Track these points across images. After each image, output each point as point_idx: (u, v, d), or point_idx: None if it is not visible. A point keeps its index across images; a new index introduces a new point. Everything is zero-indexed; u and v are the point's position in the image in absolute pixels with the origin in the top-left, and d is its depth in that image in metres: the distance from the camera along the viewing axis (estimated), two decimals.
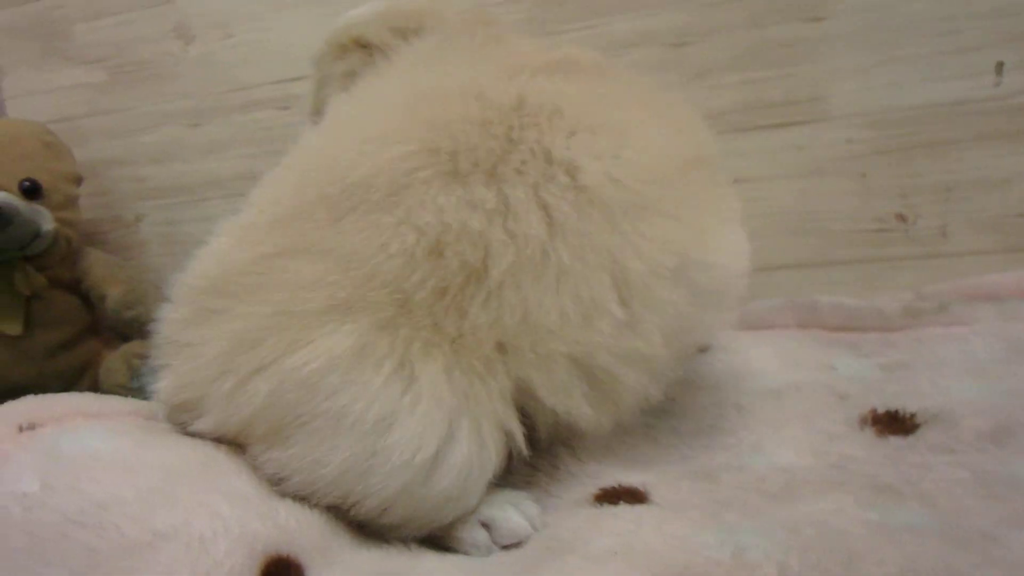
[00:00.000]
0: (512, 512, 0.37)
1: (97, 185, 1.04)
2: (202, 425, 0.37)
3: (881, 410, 0.47)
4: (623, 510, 0.37)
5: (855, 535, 0.32)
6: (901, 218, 0.72)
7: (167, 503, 0.32)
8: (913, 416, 0.46)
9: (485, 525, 0.37)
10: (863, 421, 0.47)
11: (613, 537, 0.34)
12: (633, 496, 0.39)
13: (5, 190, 0.84)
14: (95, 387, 0.95)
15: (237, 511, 0.33)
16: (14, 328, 0.86)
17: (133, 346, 0.94)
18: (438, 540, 0.37)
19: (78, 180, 0.96)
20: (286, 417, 0.33)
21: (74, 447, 0.36)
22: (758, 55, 0.73)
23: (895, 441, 0.44)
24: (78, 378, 0.94)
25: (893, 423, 0.46)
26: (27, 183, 0.86)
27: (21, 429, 0.37)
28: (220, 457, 0.37)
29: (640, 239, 0.36)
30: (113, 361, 0.93)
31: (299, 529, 0.34)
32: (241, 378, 0.34)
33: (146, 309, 0.95)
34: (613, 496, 0.39)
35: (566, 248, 0.35)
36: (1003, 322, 0.59)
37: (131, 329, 0.95)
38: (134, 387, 0.89)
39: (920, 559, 0.30)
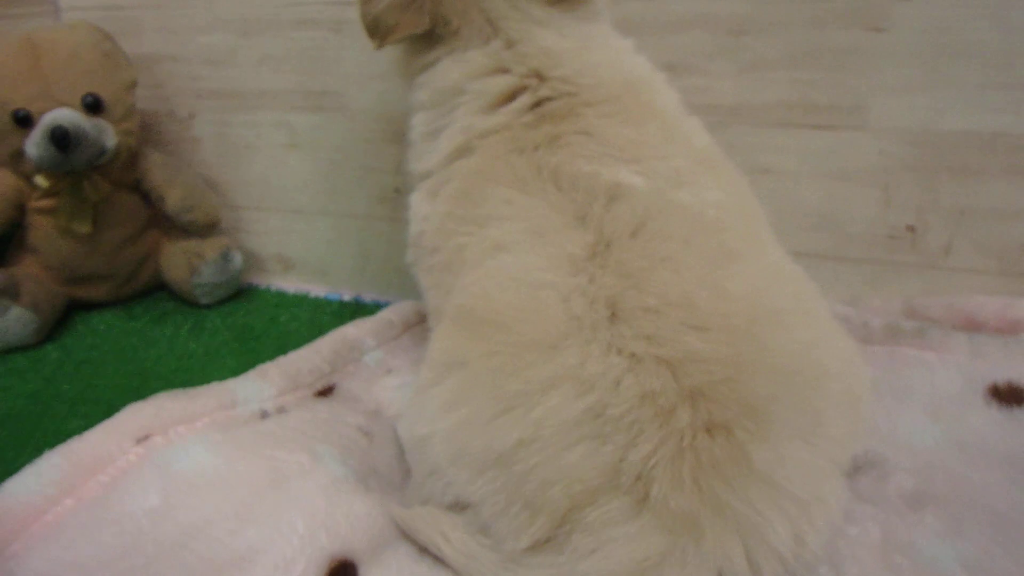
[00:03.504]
0: None
1: (151, 78, 1.07)
2: None
3: None
4: None
5: None
6: (911, 229, 0.78)
7: (259, 521, 0.42)
8: (854, 456, 0.56)
9: None
10: None
11: None
12: None
13: (69, 106, 0.89)
14: (157, 275, 1.06)
15: (309, 528, 0.43)
16: (85, 228, 0.95)
17: (191, 245, 1.03)
18: None
19: (134, 84, 1.00)
20: None
21: (182, 462, 0.45)
22: (812, 56, 0.75)
23: None
24: (141, 266, 1.05)
25: None
26: (89, 98, 0.91)
27: (138, 441, 0.46)
28: (295, 463, 0.47)
29: None
30: (173, 256, 1.04)
31: (353, 534, 0.44)
32: None
33: (203, 213, 1.04)
34: None
35: None
36: (971, 358, 0.66)
37: (190, 229, 1.04)
38: (195, 282, 1.00)
39: None
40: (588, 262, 0.45)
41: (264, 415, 0.55)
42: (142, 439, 0.47)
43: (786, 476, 0.41)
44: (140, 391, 0.78)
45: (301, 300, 1.05)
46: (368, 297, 1.06)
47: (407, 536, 0.46)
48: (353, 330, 0.71)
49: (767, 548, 0.40)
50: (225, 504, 0.43)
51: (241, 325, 0.97)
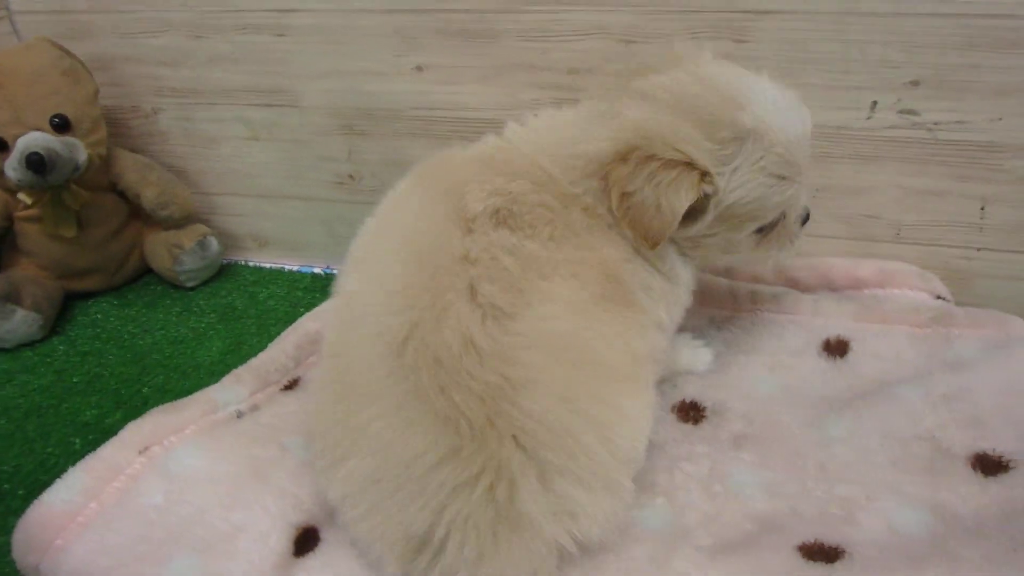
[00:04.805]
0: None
1: (111, 77, 1.08)
2: None
3: (688, 400, 0.67)
4: None
5: (611, 538, 0.50)
6: None
7: (240, 506, 0.53)
8: (704, 409, 0.66)
9: None
10: (673, 408, 0.67)
11: None
12: None
13: (39, 129, 0.92)
14: (144, 261, 1.13)
15: (281, 507, 0.53)
16: (70, 232, 1.00)
17: (170, 236, 1.09)
18: None
19: (96, 93, 1.02)
20: None
21: (177, 466, 0.55)
22: None
23: (686, 428, 0.64)
24: (128, 256, 1.11)
25: (692, 410, 0.66)
26: (57, 120, 0.94)
27: (140, 452, 0.56)
28: (267, 456, 0.57)
29: None
30: (155, 247, 1.10)
31: (314, 506, 0.55)
32: None
33: (178, 207, 1.09)
34: None
35: None
36: (813, 317, 0.76)
37: (167, 223, 1.10)
38: (177, 270, 1.08)
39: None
40: (406, 304, 0.49)
41: (240, 415, 0.65)
42: (143, 450, 0.57)
43: (555, 511, 0.48)
44: (140, 378, 0.88)
45: (277, 275, 1.12)
46: (339, 268, 1.13)
47: None
48: (312, 324, 0.80)
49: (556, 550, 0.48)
50: (214, 497, 0.54)
51: (224, 305, 1.05)
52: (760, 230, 0.58)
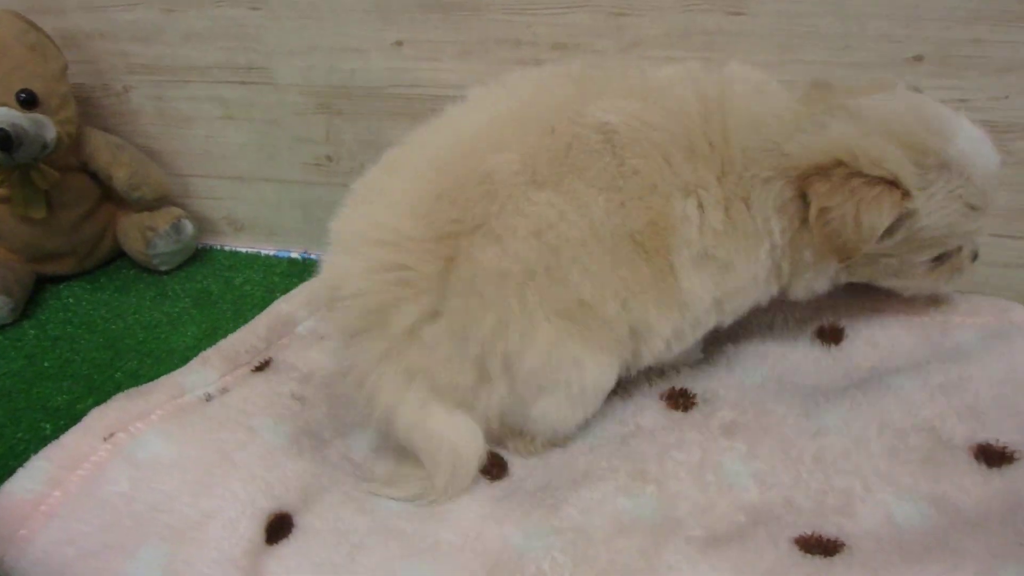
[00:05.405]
0: None
1: (81, 54, 1.07)
2: None
3: (678, 387, 0.67)
4: None
5: (600, 529, 0.51)
6: None
7: (208, 493, 0.53)
8: (694, 396, 0.66)
9: None
10: (662, 395, 0.66)
11: None
12: None
13: (5, 104, 0.90)
14: (117, 245, 1.11)
15: (250, 493, 0.53)
16: (40, 213, 0.99)
17: (143, 218, 1.08)
18: None
19: (65, 69, 1.01)
20: None
21: (143, 452, 0.55)
22: (684, 37, 0.80)
23: (676, 415, 0.64)
24: (101, 239, 1.10)
25: (682, 398, 0.66)
26: (23, 95, 0.92)
27: (105, 439, 0.55)
28: (235, 440, 0.56)
29: None
30: (128, 230, 1.09)
31: (287, 492, 0.55)
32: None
33: (151, 189, 1.08)
34: None
35: None
36: (806, 302, 0.76)
37: (140, 205, 1.09)
38: (150, 253, 1.06)
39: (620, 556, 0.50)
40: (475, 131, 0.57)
41: (209, 398, 0.64)
42: (108, 437, 0.56)
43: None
44: (113, 364, 0.87)
45: (253, 259, 1.11)
46: (315, 253, 1.12)
47: (334, 485, 0.57)
48: (286, 306, 0.79)
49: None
50: (182, 483, 0.53)
51: (199, 290, 1.04)
52: (937, 259, 0.62)
